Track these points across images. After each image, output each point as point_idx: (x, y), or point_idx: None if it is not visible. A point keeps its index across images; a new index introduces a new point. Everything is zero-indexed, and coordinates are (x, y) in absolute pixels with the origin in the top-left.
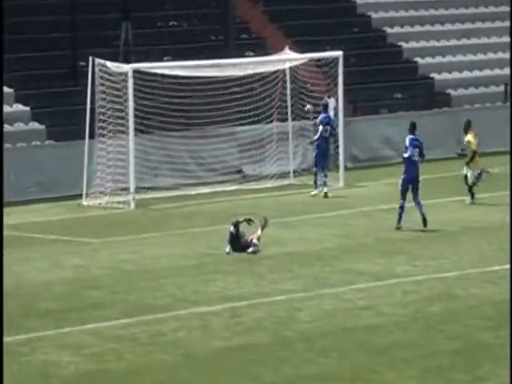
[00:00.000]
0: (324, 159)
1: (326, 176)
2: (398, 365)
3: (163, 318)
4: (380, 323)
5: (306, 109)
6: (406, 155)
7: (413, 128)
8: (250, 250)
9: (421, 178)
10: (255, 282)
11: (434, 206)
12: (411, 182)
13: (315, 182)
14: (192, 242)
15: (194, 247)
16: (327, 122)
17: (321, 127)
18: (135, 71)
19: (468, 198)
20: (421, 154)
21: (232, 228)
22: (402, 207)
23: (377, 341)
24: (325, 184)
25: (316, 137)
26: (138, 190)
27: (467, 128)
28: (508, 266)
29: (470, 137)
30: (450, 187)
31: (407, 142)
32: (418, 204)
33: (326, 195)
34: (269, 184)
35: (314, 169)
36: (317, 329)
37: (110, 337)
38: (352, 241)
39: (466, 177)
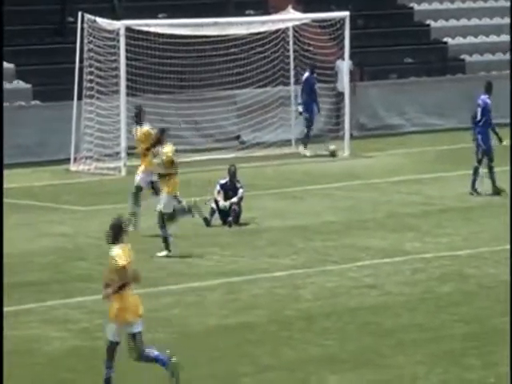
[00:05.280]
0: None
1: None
2: (406, 348)
3: (156, 292)
4: (386, 303)
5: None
6: None
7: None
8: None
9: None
10: (253, 256)
11: (450, 178)
12: None
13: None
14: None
15: (189, 218)
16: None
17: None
18: (127, 29)
19: None
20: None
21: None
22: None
23: (383, 322)
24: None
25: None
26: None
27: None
28: None
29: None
30: (467, 159)
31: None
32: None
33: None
34: (269, 152)
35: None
36: (318, 308)
37: (99, 312)
38: (358, 214)
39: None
